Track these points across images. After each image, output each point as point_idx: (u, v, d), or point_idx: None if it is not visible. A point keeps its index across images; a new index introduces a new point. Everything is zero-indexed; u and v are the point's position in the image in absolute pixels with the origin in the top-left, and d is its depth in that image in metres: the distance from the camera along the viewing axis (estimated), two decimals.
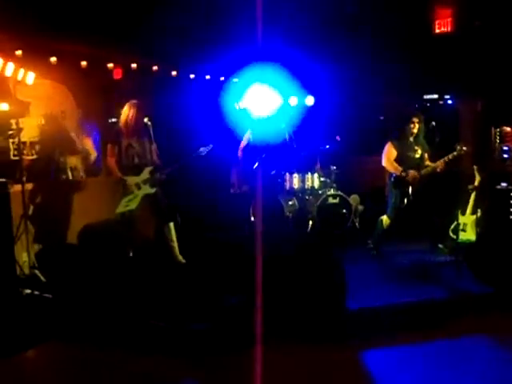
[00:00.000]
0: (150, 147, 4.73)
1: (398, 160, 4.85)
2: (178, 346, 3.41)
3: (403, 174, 4.81)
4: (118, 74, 6.00)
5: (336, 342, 3.37)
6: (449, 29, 5.81)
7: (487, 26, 5.49)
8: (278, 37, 5.50)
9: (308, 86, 6.91)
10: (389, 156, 4.87)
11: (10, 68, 4.54)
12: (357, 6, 5.72)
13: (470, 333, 3.47)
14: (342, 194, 6.22)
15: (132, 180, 4.68)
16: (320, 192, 6.35)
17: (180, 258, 4.93)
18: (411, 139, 4.86)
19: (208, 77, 7.15)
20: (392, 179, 4.91)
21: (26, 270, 4.49)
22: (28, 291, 4.21)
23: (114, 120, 6.93)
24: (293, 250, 3.88)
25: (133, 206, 4.67)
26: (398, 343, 3.37)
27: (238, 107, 6.29)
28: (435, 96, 6.30)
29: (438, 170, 4.79)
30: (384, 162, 4.93)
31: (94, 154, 5.71)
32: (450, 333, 3.45)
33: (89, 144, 5.71)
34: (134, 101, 4.72)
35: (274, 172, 6.05)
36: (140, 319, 3.64)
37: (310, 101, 7.30)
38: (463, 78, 5.74)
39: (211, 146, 4.92)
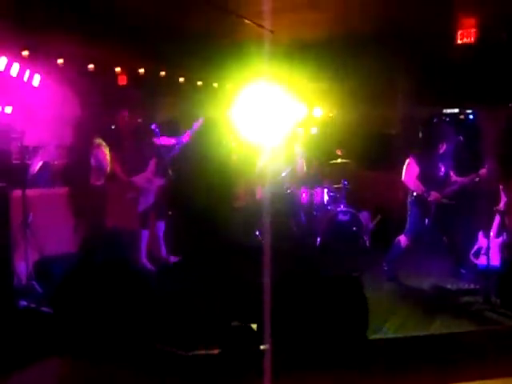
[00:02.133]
0: (151, 148, 4.85)
1: (421, 177, 4.59)
2: (187, 371, 3.17)
3: (425, 194, 4.55)
4: (123, 80, 5.86)
5: (355, 374, 3.11)
6: (472, 39, 5.57)
7: None
8: (285, 46, 5.32)
9: (318, 98, 6.73)
10: (411, 173, 4.60)
11: (15, 69, 4.34)
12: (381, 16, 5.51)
13: (507, 371, 3.17)
14: (352, 210, 5.99)
15: (141, 178, 4.76)
16: (329, 208, 6.12)
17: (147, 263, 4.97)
18: (435, 156, 4.60)
19: (215, 84, 6.98)
20: (413, 197, 4.65)
21: (23, 281, 4.28)
22: (24, 303, 4.00)
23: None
24: (309, 271, 3.63)
25: (150, 200, 4.83)
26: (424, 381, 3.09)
27: (243, 118, 6.11)
28: (456, 110, 6.06)
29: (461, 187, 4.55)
30: (405, 179, 4.65)
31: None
32: (480, 372, 3.15)
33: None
34: (129, 106, 4.89)
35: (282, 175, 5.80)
36: (146, 340, 3.39)
37: (318, 113, 7.12)
38: (487, 92, 5.50)
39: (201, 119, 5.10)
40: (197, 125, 5.08)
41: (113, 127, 5.69)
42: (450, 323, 3.71)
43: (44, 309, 3.92)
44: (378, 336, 3.46)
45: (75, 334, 3.50)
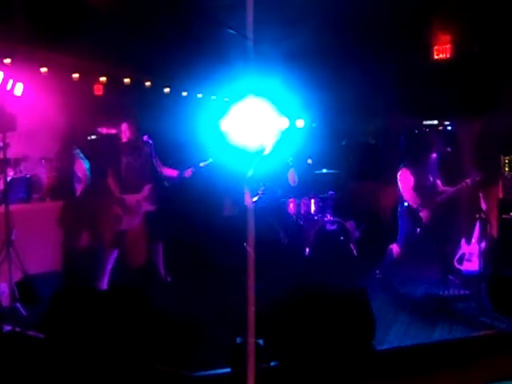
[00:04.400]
0: (151, 163, 4.81)
1: (415, 188, 4.68)
2: None
3: (419, 208, 4.63)
4: (99, 90, 5.68)
5: None
6: (448, 55, 5.83)
7: (486, 51, 5.55)
8: (273, 59, 5.36)
9: (302, 111, 6.80)
10: (407, 184, 4.67)
11: None
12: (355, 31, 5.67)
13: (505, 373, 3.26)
14: (339, 220, 6.06)
15: (133, 198, 4.70)
16: (316, 218, 6.16)
17: (164, 273, 4.99)
18: (425, 166, 4.73)
19: (200, 95, 6.94)
20: (403, 207, 4.75)
21: (6, 303, 4.02)
22: (8, 328, 3.74)
23: (93, 137, 6.57)
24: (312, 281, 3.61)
25: (134, 222, 4.75)
26: None
27: (227, 129, 6.08)
28: (435, 122, 6.30)
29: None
30: (402, 191, 4.71)
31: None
32: (483, 375, 3.24)
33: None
34: (130, 119, 4.81)
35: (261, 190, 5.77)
36: (144, 363, 3.23)
37: (300, 124, 7.17)
38: (463, 104, 5.76)
39: (211, 159, 5.13)
40: (202, 165, 5.12)
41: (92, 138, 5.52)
42: (450, 329, 3.80)
43: (30, 332, 3.68)
44: (383, 346, 3.48)
45: (69, 359, 3.29)
